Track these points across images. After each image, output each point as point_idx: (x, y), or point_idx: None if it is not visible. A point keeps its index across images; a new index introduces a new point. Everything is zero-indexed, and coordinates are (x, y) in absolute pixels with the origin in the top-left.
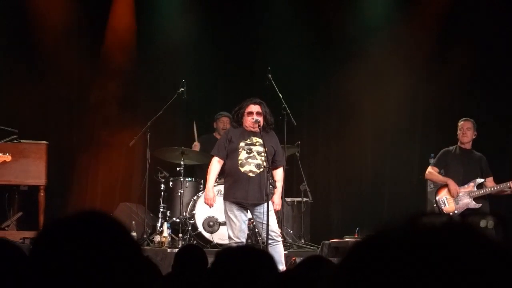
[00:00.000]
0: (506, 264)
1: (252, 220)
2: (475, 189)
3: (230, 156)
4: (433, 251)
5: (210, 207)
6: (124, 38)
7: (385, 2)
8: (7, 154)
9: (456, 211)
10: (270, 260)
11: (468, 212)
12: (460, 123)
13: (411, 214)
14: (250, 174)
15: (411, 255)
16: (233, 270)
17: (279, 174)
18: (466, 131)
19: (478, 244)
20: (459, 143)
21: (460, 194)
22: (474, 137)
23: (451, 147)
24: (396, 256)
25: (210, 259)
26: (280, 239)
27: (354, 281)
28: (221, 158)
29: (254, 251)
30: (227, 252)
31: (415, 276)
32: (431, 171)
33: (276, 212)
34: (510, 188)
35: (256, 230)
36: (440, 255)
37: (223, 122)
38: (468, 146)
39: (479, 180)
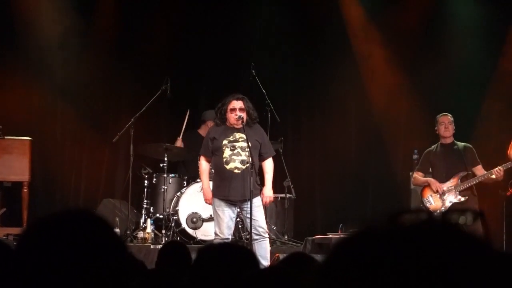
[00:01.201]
0: (483, 259)
1: (238, 218)
2: (460, 182)
3: (215, 155)
4: (412, 248)
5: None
6: (108, 35)
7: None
8: None
9: (442, 208)
10: (252, 257)
11: (452, 208)
12: (441, 118)
13: (391, 212)
14: (236, 171)
15: (389, 253)
16: (214, 267)
17: (267, 166)
18: (448, 125)
19: (455, 240)
20: (441, 139)
21: (444, 190)
22: (453, 131)
23: (432, 146)
24: (376, 253)
25: (193, 256)
26: (266, 235)
27: (340, 278)
28: (207, 157)
29: (236, 247)
30: (209, 248)
31: (395, 273)
32: (415, 176)
33: (267, 204)
34: (495, 174)
35: (240, 226)
36: (418, 253)
37: None
38: (449, 140)
39: (463, 173)
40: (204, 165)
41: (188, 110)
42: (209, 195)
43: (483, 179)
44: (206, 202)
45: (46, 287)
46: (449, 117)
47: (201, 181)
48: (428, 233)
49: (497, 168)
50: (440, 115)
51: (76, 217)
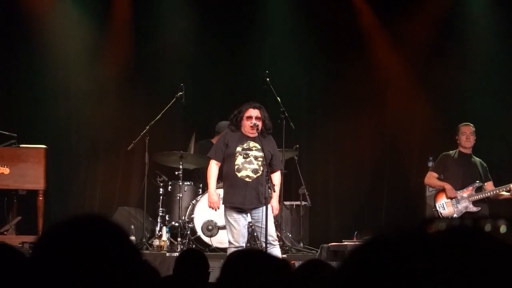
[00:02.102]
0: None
1: (251, 224)
2: (474, 193)
3: (227, 161)
4: (444, 254)
5: (216, 210)
6: (122, 43)
7: (384, 4)
8: (5, 166)
9: (455, 215)
10: (283, 263)
11: (468, 216)
12: (463, 128)
13: (423, 219)
14: (247, 179)
15: (422, 258)
16: (244, 273)
17: (276, 178)
18: (469, 135)
19: (489, 248)
20: (460, 148)
21: (458, 197)
22: (474, 142)
23: (451, 151)
24: (392, 260)
25: (210, 263)
26: (277, 243)
27: (354, 285)
28: (218, 161)
29: (264, 254)
30: (239, 255)
31: (423, 279)
32: (430, 176)
33: (275, 216)
34: (509, 191)
35: (255, 234)
36: (450, 259)
37: None
38: (469, 151)
39: (478, 184)
40: (213, 169)
41: (194, 133)
42: (215, 198)
43: (497, 192)
44: (210, 206)
45: None
46: (471, 127)
47: (208, 184)
48: (461, 240)
49: None
50: (463, 124)
51: (91, 223)
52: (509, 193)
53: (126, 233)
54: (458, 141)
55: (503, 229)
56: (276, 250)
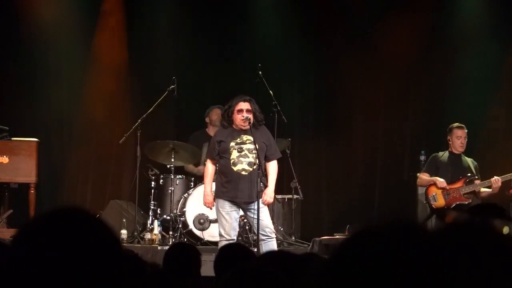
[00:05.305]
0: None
1: (243, 217)
2: (465, 185)
3: (222, 157)
4: (442, 251)
5: (211, 209)
6: (114, 35)
7: (374, 7)
8: (4, 156)
9: (446, 206)
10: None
11: (459, 207)
12: (458, 131)
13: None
14: (243, 172)
15: (418, 252)
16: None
17: (272, 167)
18: (464, 140)
19: (501, 248)
20: (451, 149)
21: (449, 189)
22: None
23: (440, 153)
24: (399, 251)
25: (201, 256)
26: (274, 235)
27: (343, 277)
28: (213, 159)
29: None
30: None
31: (412, 272)
32: (421, 176)
33: (266, 205)
34: (490, 187)
35: (247, 227)
36: (448, 256)
37: (217, 114)
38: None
39: (469, 178)
40: (210, 169)
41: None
42: (210, 198)
43: (484, 186)
44: (206, 205)
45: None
46: (465, 130)
47: (204, 184)
48: (471, 237)
49: (494, 178)
50: (456, 126)
51: (69, 215)
52: (491, 190)
53: (106, 225)
54: (450, 142)
55: (505, 230)
56: (273, 243)
